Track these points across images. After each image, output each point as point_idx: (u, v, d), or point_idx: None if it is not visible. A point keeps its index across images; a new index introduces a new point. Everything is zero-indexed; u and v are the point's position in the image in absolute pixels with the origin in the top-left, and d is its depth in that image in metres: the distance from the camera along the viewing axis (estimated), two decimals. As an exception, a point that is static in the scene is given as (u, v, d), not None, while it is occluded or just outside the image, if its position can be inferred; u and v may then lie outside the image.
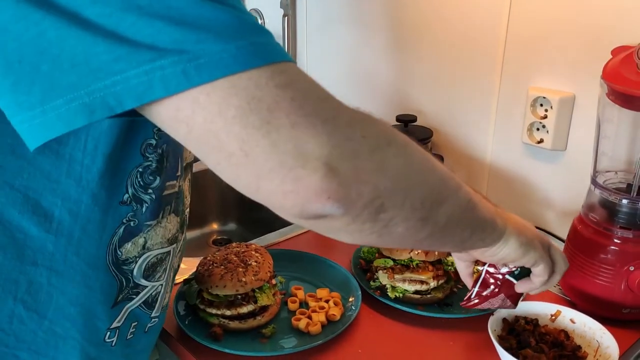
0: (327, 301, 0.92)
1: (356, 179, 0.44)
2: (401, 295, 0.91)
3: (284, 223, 1.26)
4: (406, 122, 1.23)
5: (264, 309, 0.87)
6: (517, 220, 0.69)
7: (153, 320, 0.72)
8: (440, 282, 0.93)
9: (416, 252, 0.91)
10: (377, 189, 0.45)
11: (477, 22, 1.13)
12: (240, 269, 0.86)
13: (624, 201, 0.86)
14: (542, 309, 0.86)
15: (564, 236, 0.96)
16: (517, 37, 1.08)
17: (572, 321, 0.84)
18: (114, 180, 0.59)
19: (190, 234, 1.53)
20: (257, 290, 0.87)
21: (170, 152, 0.63)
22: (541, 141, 1.08)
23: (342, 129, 0.44)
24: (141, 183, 0.61)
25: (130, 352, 0.71)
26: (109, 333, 0.66)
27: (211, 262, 0.88)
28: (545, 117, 1.06)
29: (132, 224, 0.62)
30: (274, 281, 0.91)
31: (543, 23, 1.03)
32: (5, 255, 0.56)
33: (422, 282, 0.91)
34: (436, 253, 0.92)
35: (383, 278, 0.94)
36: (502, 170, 1.18)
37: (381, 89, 1.37)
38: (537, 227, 1.12)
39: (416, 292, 0.92)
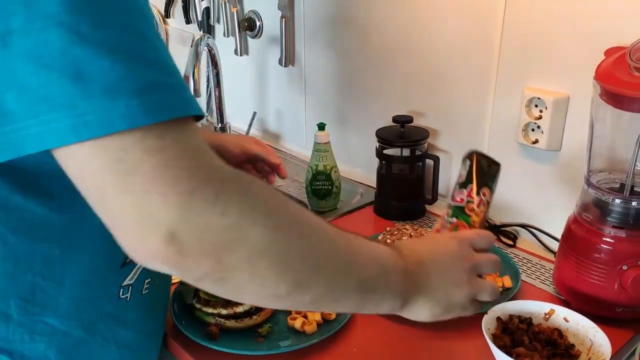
0: None
1: (199, 251, 0.46)
2: (396, 294, 0.92)
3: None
4: (402, 123, 1.24)
5: (259, 308, 0.88)
6: (438, 280, 0.64)
7: (163, 274, 0.76)
8: (436, 281, 0.93)
9: (411, 252, 0.92)
10: (220, 263, 0.47)
11: (472, 23, 1.14)
12: None
13: (617, 201, 0.87)
14: (536, 308, 0.86)
15: (558, 235, 0.96)
16: (512, 38, 1.08)
17: (566, 320, 0.84)
18: None
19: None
20: None
21: None
22: (536, 142, 1.09)
23: (198, 203, 0.46)
24: None
25: (147, 303, 0.76)
26: (122, 290, 0.71)
27: None
28: (540, 117, 1.06)
29: None
30: None
31: (538, 24, 1.04)
32: (19, 237, 0.61)
33: (417, 281, 0.92)
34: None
35: (379, 277, 0.94)
36: (497, 170, 1.19)
37: (378, 90, 1.37)
38: (532, 227, 1.13)
39: (411, 291, 0.92)
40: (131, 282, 0.71)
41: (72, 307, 0.67)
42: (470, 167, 0.92)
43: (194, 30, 1.87)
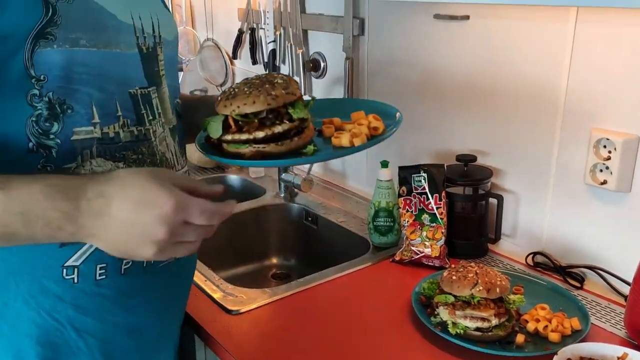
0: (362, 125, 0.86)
1: None
2: (462, 331, 0.92)
3: (343, 259, 1.28)
4: (466, 162, 1.25)
5: (300, 130, 0.80)
6: (117, 236, 0.63)
7: (127, 262, 0.76)
8: (502, 320, 0.93)
9: (477, 289, 0.92)
10: None
11: (539, 66, 1.15)
12: (267, 85, 0.79)
13: (693, 243, 0.85)
14: (608, 351, 0.84)
15: (629, 278, 0.94)
16: (578, 81, 1.09)
17: (640, 364, 0.82)
18: (11, 132, 0.67)
19: (250, 267, 1.58)
20: (289, 107, 0.80)
21: (66, 99, 0.69)
22: (604, 182, 1.07)
23: None
24: (40, 131, 0.69)
25: (112, 294, 0.76)
26: (65, 270, 0.73)
27: (232, 89, 0.81)
28: (609, 158, 1.06)
29: (48, 169, 0.69)
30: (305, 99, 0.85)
31: (604, 67, 1.04)
32: None
33: (483, 319, 0.92)
34: (497, 291, 0.92)
35: (444, 314, 0.95)
36: (564, 210, 1.18)
37: (443, 130, 1.39)
38: (600, 269, 1.10)
39: (477, 329, 0.92)
40: (77, 263, 0.73)
41: (9, 279, 0.71)
42: (430, 177, 1.20)
43: (260, 71, 1.95)
